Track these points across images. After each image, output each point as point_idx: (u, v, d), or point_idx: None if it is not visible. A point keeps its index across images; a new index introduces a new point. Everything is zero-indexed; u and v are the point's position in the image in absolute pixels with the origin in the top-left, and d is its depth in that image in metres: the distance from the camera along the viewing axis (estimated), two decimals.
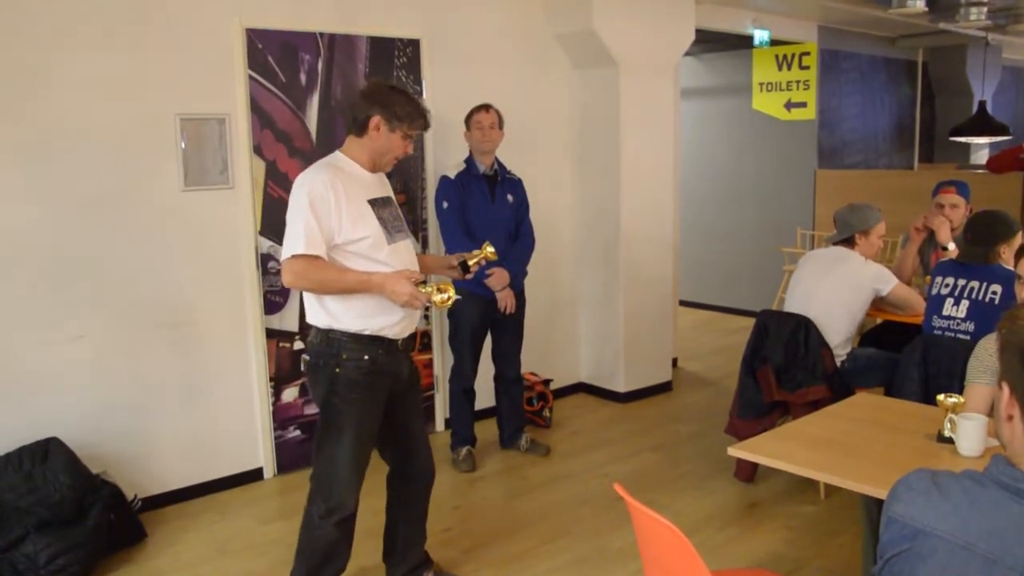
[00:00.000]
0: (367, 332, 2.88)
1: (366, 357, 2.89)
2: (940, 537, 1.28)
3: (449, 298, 2.91)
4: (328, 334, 2.89)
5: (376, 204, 2.92)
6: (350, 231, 2.82)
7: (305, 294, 2.94)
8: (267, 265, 4.41)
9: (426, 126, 3.02)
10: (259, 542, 3.83)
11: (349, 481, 2.96)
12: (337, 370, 2.88)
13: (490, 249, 3.20)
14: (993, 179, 6.52)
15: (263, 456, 4.51)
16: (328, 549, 3.01)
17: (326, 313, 2.88)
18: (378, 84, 3.05)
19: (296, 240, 2.76)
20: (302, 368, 3.05)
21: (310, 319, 2.94)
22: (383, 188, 3.04)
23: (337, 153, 2.99)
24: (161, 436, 4.17)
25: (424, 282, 2.91)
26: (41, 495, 3.45)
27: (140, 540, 3.82)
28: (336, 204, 2.79)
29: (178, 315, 4.16)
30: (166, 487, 4.20)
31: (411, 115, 2.92)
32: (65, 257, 3.83)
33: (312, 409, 4.64)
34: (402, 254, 2.97)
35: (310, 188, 2.78)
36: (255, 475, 4.49)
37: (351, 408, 2.91)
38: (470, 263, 3.18)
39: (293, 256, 2.76)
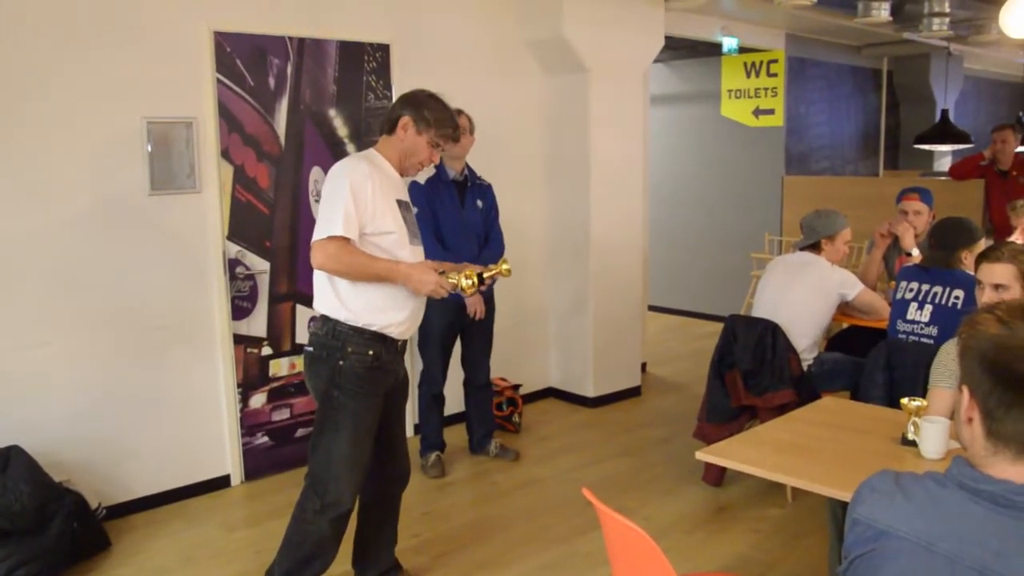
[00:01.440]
0: (372, 328, 2.92)
1: (370, 352, 2.93)
2: (903, 538, 1.30)
3: (473, 284, 3.01)
4: (335, 326, 2.91)
5: (401, 206, 3.00)
6: (380, 223, 2.88)
7: (317, 280, 2.96)
8: (235, 270, 4.38)
9: (455, 137, 3.12)
10: (226, 550, 3.79)
11: (347, 478, 2.95)
12: (341, 363, 2.91)
13: (506, 266, 3.18)
14: (955, 186, 6.62)
15: (230, 463, 4.46)
16: (317, 545, 2.99)
17: (337, 299, 2.91)
18: (417, 90, 3.11)
19: (334, 221, 2.79)
20: (303, 359, 3.07)
21: (318, 306, 2.98)
22: (406, 193, 3.11)
23: (372, 150, 3.05)
24: (126, 443, 4.11)
25: (442, 273, 3.00)
26: (1, 504, 3.38)
27: (104, 549, 3.76)
28: (372, 195, 2.85)
29: (144, 320, 4.11)
30: (131, 495, 4.14)
31: (440, 121, 2.99)
32: (29, 261, 3.77)
33: (280, 416, 4.61)
34: (418, 258, 3.05)
35: (351, 175, 2.84)
36: (222, 482, 4.44)
37: (351, 402, 2.93)
38: (485, 275, 3.16)
39: (329, 237, 2.80)
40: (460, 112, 4.45)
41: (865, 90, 9.06)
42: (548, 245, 5.87)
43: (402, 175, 3.07)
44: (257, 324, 4.49)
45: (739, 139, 8.19)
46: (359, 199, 2.82)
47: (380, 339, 2.95)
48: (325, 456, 2.95)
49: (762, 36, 7.52)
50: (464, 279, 2.99)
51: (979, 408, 1.29)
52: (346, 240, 2.81)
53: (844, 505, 2.25)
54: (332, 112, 4.68)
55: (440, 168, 4.47)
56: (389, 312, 2.94)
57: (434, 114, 2.99)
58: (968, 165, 6.62)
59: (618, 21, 5.53)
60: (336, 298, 2.91)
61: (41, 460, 3.66)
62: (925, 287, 3.79)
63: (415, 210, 4.34)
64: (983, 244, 3.75)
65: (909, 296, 3.83)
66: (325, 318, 2.95)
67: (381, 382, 3.01)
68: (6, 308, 3.73)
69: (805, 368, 4.18)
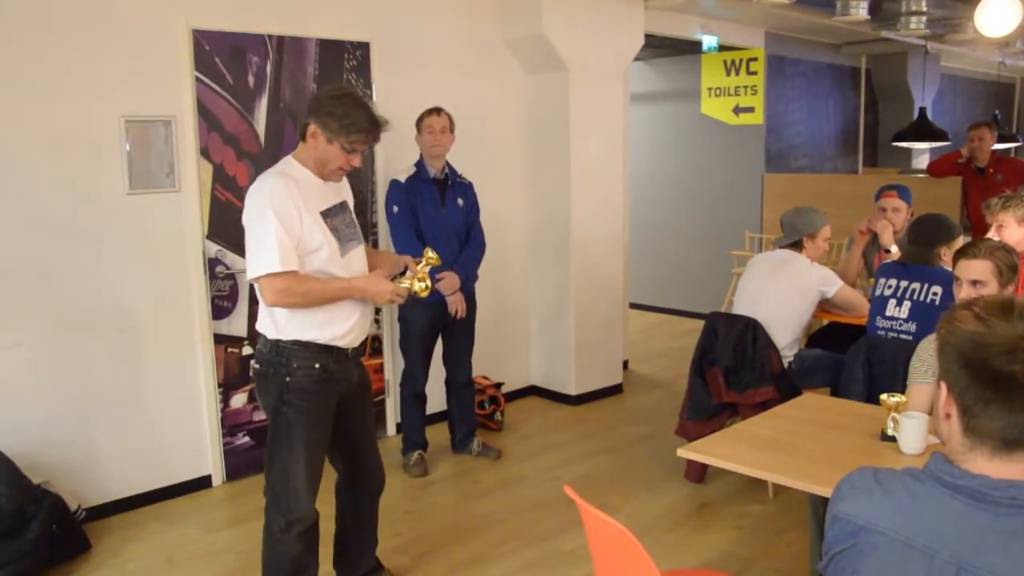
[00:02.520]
0: (319, 341, 2.83)
1: (317, 365, 2.84)
2: (882, 533, 1.31)
3: (427, 287, 2.98)
4: (278, 342, 2.82)
5: (328, 214, 2.84)
6: (308, 241, 2.75)
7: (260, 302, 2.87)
8: (215, 269, 4.35)
9: (370, 141, 2.82)
10: (207, 551, 3.77)
11: (306, 491, 2.90)
12: (287, 379, 2.82)
13: (421, 279, 3.01)
14: (933, 183, 6.67)
15: (212, 463, 4.44)
16: (294, 563, 2.95)
17: (274, 325, 2.81)
18: (327, 91, 2.87)
19: (270, 257, 2.65)
20: (251, 376, 2.99)
21: (260, 327, 2.88)
22: (336, 194, 2.94)
23: (289, 158, 2.87)
24: (106, 444, 4.08)
25: (403, 272, 2.96)
26: None
27: (84, 551, 3.73)
28: (297, 214, 2.71)
29: (123, 320, 4.08)
30: (111, 496, 4.11)
31: (349, 127, 2.73)
32: (4, 261, 3.73)
33: (261, 415, 4.58)
34: (353, 264, 2.92)
35: (272, 198, 2.67)
36: (203, 482, 4.42)
37: (302, 417, 2.86)
38: (404, 282, 3.03)
39: (271, 275, 2.66)
40: (440, 110, 4.45)
41: (844, 88, 9.11)
42: (529, 243, 5.87)
43: (325, 180, 2.88)
44: (237, 323, 4.46)
45: (719, 137, 8.22)
46: (288, 225, 2.66)
47: (327, 350, 2.85)
48: (282, 473, 2.89)
49: (741, 34, 7.55)
50: (417, 282, 2.95)
51: (957, 404, 1.30)
52: (291, 273, 2.68)
53: (825, 501, 2.27)
54: None
55: (420, 166, 4.46)
56: (332, 326, 2.84)
57: (341, 120, 2.72)
58: (946, 163, 6.68)
59: (598, 19, 5.54)
60: (272, 323, 2.81)
61: (19, 462, 3.62)
62: (904, 284, 3.82)
63: (395, 208, 4.37)
64: (961, 241, 3.79)
65: (888, 293, 3.86)
66: (267, 337, 2.85)
67: (331, 393, 2.92)
68: None
69: (786, 365, 4.20)
